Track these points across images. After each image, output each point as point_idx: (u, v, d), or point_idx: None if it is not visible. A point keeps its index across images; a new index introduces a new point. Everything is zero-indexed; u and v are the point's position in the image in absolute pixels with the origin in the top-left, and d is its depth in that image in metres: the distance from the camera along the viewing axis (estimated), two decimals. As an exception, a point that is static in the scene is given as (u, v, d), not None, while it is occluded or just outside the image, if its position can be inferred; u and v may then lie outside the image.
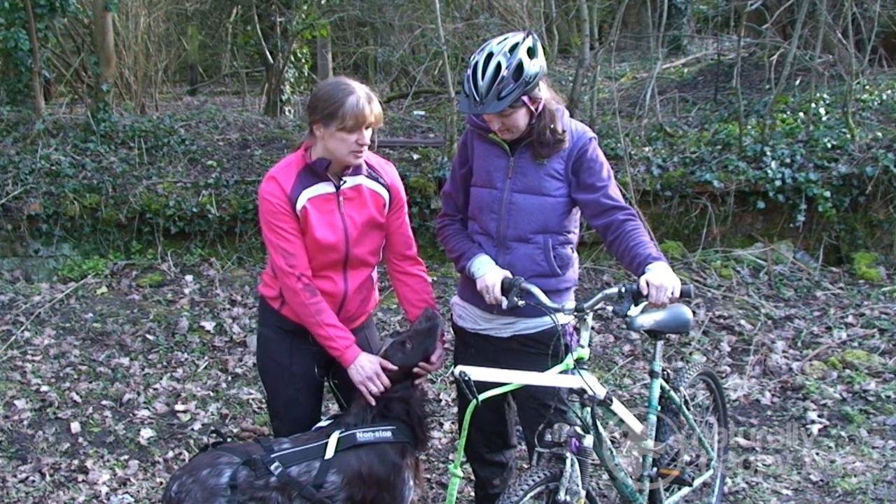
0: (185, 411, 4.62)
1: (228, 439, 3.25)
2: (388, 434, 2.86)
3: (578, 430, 2.67)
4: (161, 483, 3.96)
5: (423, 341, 2.98)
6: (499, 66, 2.72)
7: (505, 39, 2.78)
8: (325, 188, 2.89)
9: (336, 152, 2.83)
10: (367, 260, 3.04)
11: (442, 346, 3.06)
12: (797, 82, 8.17)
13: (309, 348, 3.00)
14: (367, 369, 2.89)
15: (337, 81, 2.86)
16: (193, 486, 2.65)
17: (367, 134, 2.82)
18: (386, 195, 3.01)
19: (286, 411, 3.09)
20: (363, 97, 2.78)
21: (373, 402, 2.90)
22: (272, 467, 2.69)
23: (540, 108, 2.85)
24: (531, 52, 2.76)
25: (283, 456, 2.74)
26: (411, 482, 2.89)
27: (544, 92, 2.87)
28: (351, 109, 2.74)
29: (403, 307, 3.19)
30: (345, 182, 2.92)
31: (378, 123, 2.85)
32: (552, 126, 2.86)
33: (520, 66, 2.73)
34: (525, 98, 2.78)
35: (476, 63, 2.76)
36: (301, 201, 2.85)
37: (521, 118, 2.83)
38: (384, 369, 2.91)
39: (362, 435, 2.83)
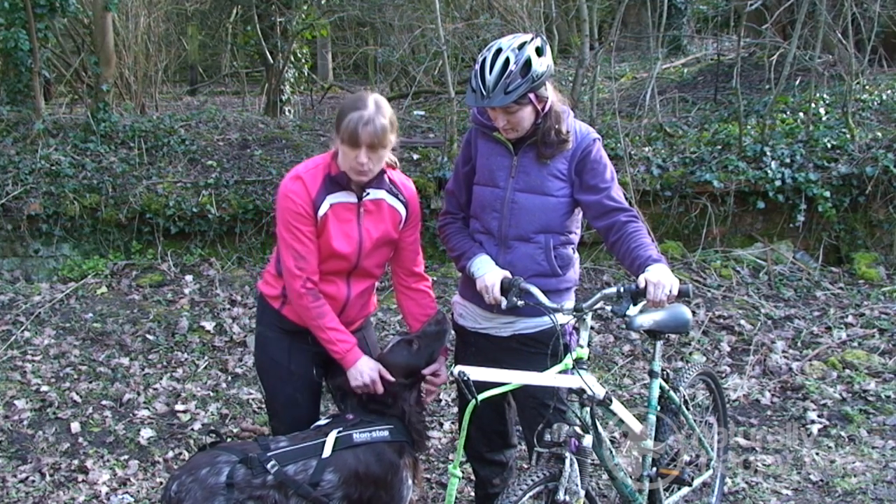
0: (185, 411, 4.63)
1: (227, 439, 3.25)
2: (386, 433, 2.87)
3: (578, 429, 2.67)
4: (161, 483, 3.96)
5: (431, 343, 2.99)
6: (507, 60, 2.74)
7: (514, 38, 2.81)
8: (347, 197, 2.89)
9: (343, 165, 2.82)
10: (373, 272, 3.06)
11: (444, 359, 3.07)
12: (797, 82, 8.16)
13: (308, 348, 3.01)
14: (365, 375, 2.91)
15: (360, 95, 2.81)
16: (193, 486, 2.65)
17: (366, 155, 2.73)
18: (403, 212, 3.01)
19: (285, 411, 3.09)
20: (364, 117, 2.70)
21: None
22: (269, 466, 2.69)
23: (546, 108, 2.86)
24: (539, 51, 2.78)
25: (280, 454, 2.74)
26: (409, 481, 2.90)
27: (551, 93, 2.88)
28: (346, 125, 2.72)
29: (407, 321, 3.23)
30: (368, 194, 2.91)
31: (378, 148, 2.74)
32: (557, 127, 2.87)
33: (528, 62, 2.74)
34: (532, 96, 2.79)
35: (484, 59, 2.78)
36: (324, 207, 2.85)
37: (526, 116, 2.84)
38: (381, 378, 2.92)
39: (359, 434, 2.83)
